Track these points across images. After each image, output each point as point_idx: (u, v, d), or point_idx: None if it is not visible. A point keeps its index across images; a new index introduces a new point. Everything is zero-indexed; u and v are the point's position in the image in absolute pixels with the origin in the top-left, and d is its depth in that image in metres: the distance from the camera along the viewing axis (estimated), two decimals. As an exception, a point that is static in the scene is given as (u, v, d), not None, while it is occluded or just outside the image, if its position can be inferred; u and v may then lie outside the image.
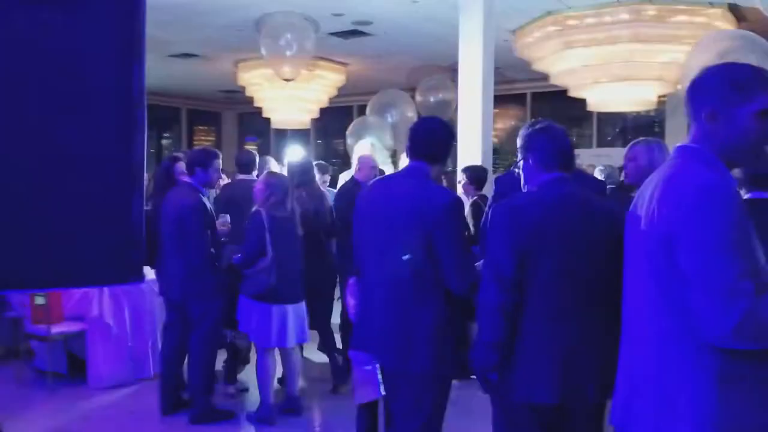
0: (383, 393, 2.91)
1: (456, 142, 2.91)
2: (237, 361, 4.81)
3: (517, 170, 2.46)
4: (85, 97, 1.25)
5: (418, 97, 9.13)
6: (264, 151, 14.34)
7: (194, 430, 4.07)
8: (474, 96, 5.67)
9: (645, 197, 1.67)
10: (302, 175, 4.76)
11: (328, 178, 5.86)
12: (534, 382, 2.17)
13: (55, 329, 4.65)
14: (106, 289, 4.61)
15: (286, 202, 4.11)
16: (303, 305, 4.22)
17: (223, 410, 4.24)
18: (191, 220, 4.00)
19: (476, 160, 5.52)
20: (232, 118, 15.64)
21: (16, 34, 1.18)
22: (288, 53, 7.16)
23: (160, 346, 4.66)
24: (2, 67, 1.17)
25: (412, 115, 9.12)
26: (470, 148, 5.62)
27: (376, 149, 6.54)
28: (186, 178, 4.20)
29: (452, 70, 7.19)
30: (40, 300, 4.61)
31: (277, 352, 4.23)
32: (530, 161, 2.33)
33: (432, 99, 8.95)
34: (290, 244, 4.12)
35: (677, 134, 10.39)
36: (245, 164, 5.12)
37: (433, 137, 2.62)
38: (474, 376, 2.37)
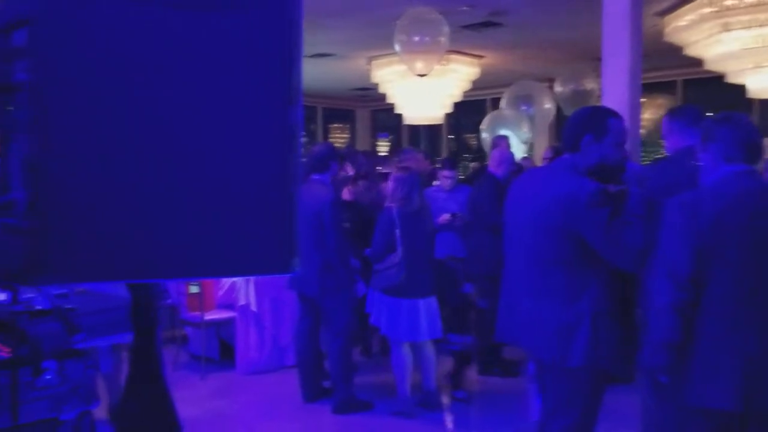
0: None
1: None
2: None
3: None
4: (249, 97, 1.30)
5: (557, 88, 8.80)
6: (396, 148, 14.52)
7: (335, 418, 4.19)
8: (620, 85, 5.35)
9: None
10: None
11: (454, 174, 5.48)
12: (712, 386, 2.07)
13: (208, 316, 4.97)
14: (251, 280, 4.86)
15: (412, 196, 4.12)
16: (434, 300, 4.20)
17: (363, 401, 4.32)
18: (332, 216, 4.10)
19: (622, 153, 5.21)
20: (365, 115, 15.94)
21: (183, 39, 1.24)
22: (421, 49, 7.15)
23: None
24: (173, 72, 1.23)
25: (549, 106, 8.82)
26: (616, 140, 5.31)
27: (511, 143, 6.36)
28: (314, 175, 4.30)
29: (594, 59, 6.85)
30: (194, 289, 4.95)
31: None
32: (710, 153, 2.21)
33: (572, 89, 8.60)
34: (420, 239, 4.13)
35: None
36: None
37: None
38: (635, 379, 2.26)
